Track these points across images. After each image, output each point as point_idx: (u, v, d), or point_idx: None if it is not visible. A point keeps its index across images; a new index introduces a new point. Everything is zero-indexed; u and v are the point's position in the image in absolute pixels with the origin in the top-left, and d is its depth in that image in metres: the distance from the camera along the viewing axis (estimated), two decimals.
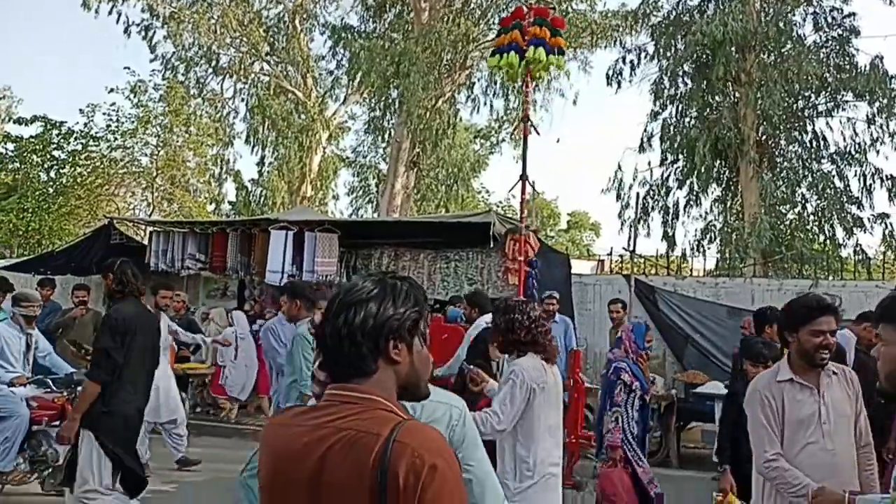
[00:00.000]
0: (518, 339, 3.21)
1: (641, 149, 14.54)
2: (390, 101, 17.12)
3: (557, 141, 18.76)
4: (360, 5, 18.59)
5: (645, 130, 14.56)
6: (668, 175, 14.40)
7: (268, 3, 19.46)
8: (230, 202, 21.62)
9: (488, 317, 4.77)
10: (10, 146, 18.54)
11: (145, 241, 10.84)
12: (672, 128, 14.18)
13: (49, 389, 5.45)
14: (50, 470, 5.28)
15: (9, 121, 26.72)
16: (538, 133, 7.75)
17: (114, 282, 4.29)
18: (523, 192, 7.35)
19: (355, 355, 1.29)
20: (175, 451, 6.77)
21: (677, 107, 14.28)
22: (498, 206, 23.98)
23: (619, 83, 14.81)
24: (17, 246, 15.89)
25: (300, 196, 19.77)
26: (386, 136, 19.09)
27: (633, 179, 14.41)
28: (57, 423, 5.07)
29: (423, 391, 1.40)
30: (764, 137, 13.89)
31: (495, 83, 17.41)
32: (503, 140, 21.09)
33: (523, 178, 7.30)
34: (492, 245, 8.61)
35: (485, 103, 17.97)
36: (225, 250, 9.90)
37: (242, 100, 19.77)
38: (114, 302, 4.39)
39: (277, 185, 19.93)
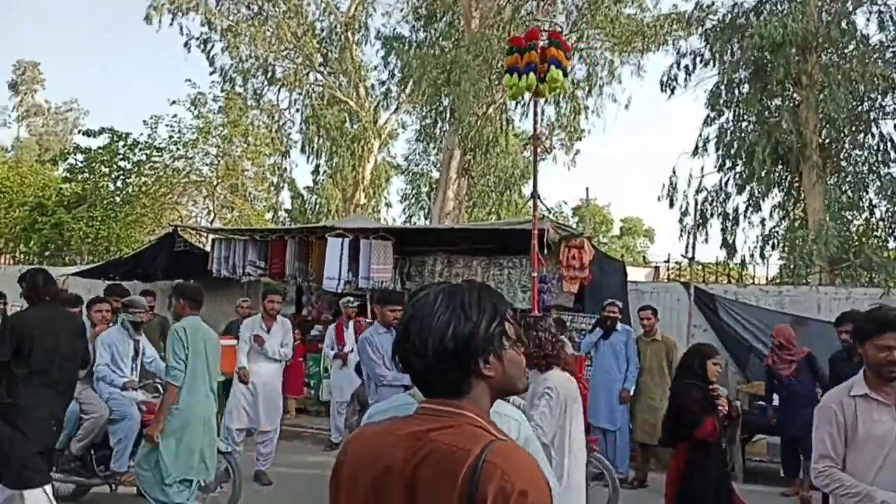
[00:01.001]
0: (546, 354, 3.37)
1: (696, 153, 14.27)
2: (441, 108, 17.27)
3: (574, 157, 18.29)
4: (410, 15, 18.85)
5: (700, 135, 14.29)
6: (727, 180, 14.08)
7: (321, 15, 19.91)
8: (286, 210, 22.13)
9: None
10: (80, 157, 19.42)
11: (208, 248, 11.15)
12: (729, 132, 13.86)
13: (157, 394, 5.60)
14: None
15: (77, 133, 28.06)
16: (548, 152, 7.95)
17: (24, 289, 4.54)
18: (535, 210, 7.60)
19: (447, 381, 1.29)
20: (256, 462, 6.81)
21: (734, 111, 13.96)
22: (551, 213, 23.86)
23: (672, 89, 14.58)
24: (87, 253, 16.58)
25: (353, 204, 20.10)
26: (437, 143, 19.26)
27: (688, 185, 14.16)
28: None
29: (519, 389, 1.40)
30: (827, 141, 13.45)
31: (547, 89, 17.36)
32: (554, 147, 21.00)
33: (534, 195, 7.62)
34: (546, 252, 8.57)
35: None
36: (283, 257, 10.11)
37: (297, 110, 20.27)
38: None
39: (332, 192, 20.31)
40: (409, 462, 1.22)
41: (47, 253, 17.73)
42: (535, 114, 7.65)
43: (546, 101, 9.60)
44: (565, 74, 6.97)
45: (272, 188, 21.10)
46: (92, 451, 5.45)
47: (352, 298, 9.05)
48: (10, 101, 35.89)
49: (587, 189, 21.02)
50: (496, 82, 16.27)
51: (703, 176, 14.11)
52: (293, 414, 9.79)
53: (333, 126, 19.33)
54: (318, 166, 20.53)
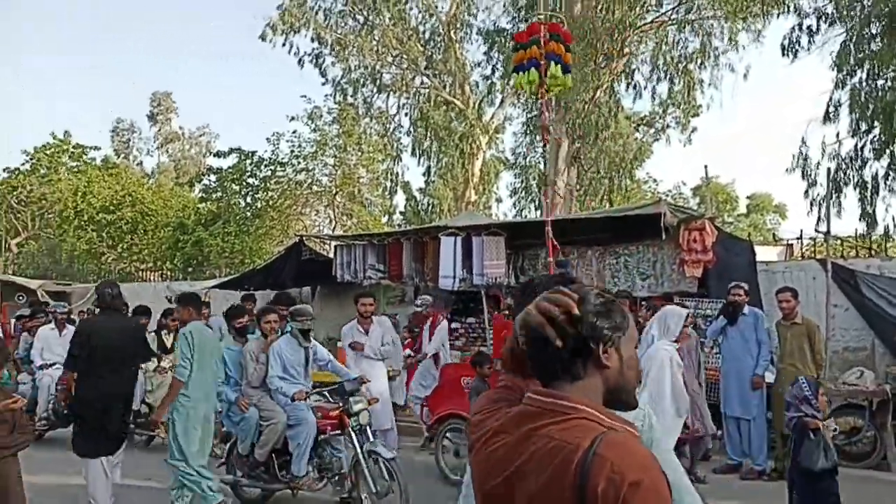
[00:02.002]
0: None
1: (828, 119, 13.18)
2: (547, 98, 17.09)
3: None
4: (511, 6, 18.78)
5: (831, 99, 13.19)
6: (863, 145, 12.90)
7: (423, 18, 20.31)
8: (401, 212, 22.81)
9: None
10: (213, 178, 21.04)
11: (331, 255, 11.71)
12: (863, 93, 12.69)
13: (327, 400, 5.72)
14: (336, 477, 5.47)
15: (209, 155, 30.35)
16: (547, 142, 8.12)
17: (95, 300, 5.52)
18: (546, 198, 8.40)
19: (563, 362, 1.27)
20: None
21: (867, 70, 12.75)
22: (668, 196, 22.95)
23: (795, 53, 13.55)
24: (224, 266, 17.96)
25: (465, 202, 20.36)
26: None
27: (823, 154, 13.11)
28: (338, 432, 5.42)
29: (632, 400, 1.34)
30: None
31: (658, 67, 16.74)
32: (668, 126, 20.17)
33: (547, 184, 8.69)
34: (664, 237, 8.28)
35: (646, 88, 17.32)
36: (400, 259, 10.43)
37: (406, 114, 20.83)
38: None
39: (443, 192, 20.68)
40: (518, 460, 1.23)
41: (190, 269, 19.35)
42: (542, 108, 7.66)
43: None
44: (566, 71, 6.93)
45: (386, 193, 21.81)
46: (274, 457, 5.61)
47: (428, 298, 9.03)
48: (151, 130, 39.42)
49: (706, 167, 20.05)
50: (602, 65, 15.87)
51: (839, 142, 13.02)
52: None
53: (441, 126, 19.67)
54: (428, 168, 21.00)
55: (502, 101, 20.72)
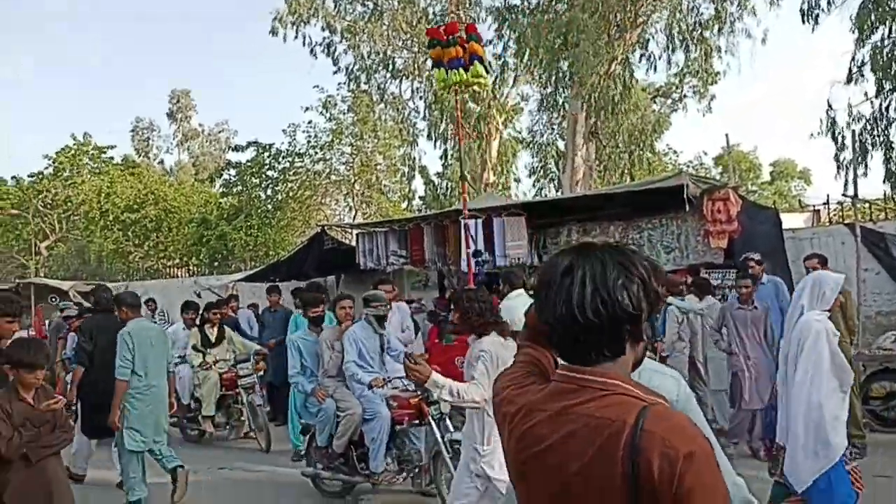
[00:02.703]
0: (479, 322, 3.69)
1: (851, 80, 12.86)
2: (561, 74, 16.87)
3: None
4: None
5: (853, 59, 12.86)
6: (887, 105, 12.59)
7: (432, 0, 20.12)
8: (420, 197, 22.79)
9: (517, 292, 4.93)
10: (233, 172, 21.21)
11: (353, 243, 11.78)
12: (886, 52, 12.35)
13: (405, 389, 5.38)
14: (417, 470, 5.29)
15: (228, 150, 30.57)
16: (471, 136, 8.95)
17: (92, 302, 6.41)
18: (464, 192, 8.60)
19: (602, 345, 1.23)
20: None
21: (890, 27, 12.40)
22: (689, 167, 22.66)
23: (816, 18, 13.19)
24: (248, 259, 18.16)
25: (483, 183, 20.28)
26: (560, 111, 18.87)
27: (849, 116, 12.81)
28: (417, 422, 5.21)
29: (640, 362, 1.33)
30: None
31: (673, 36, 16.44)
32: (686, 95, 19.84)
33: (463, 178, 8.89)
34: (687, 209, 8.19)
35: (660, 58, 17.01)
36: (422, 244, 10.46)
37: (420, 97, 20.71)
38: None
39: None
40: (562, 436, 1.20)
41: (215, 263, 19.61)
42: (458, 104, 8.87)
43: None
44: (487, 71, 7.64)
45: (404, 178, 21.80)
46: (352, 449, 5.47)
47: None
48: (170, 128, 39.76)
49: (727, 135, 19.68)
50: (616, 37, 15.63)
51: (869, 100, 12.69)
52: None
53: (456, 109, 19.54)
54: (445, 151, 20.91)
55: (516, 80, 20.51)
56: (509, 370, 1.49)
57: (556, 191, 20.00)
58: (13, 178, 28.17)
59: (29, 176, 27.66)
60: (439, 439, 4.88)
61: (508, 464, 1.36)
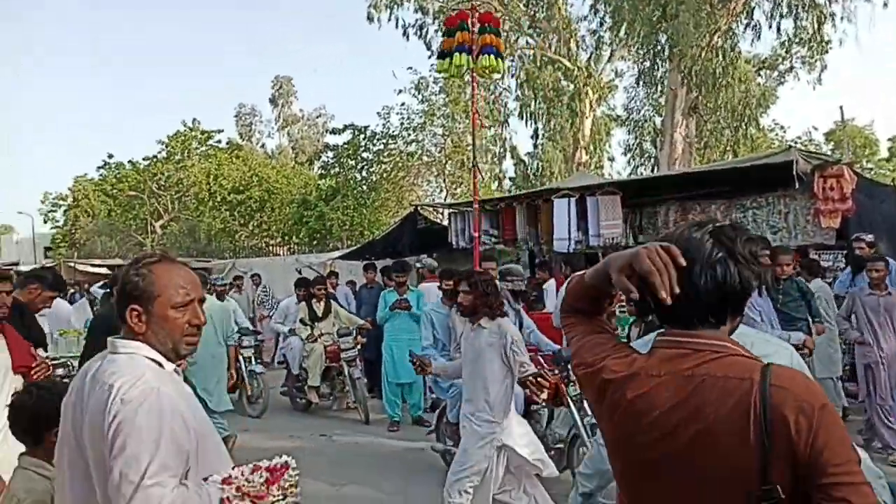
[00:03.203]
0: (496, 303, 3.93)
1: None
2: (659, 48, 16.30)
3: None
4: None
5: None
6: None
7: None
8: (510, 178, 22.75)
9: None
10: (330, 154, 21.95)
11: (445, 223, 11.95)
12: None
13: (542, 367, 4.91)
14: (552, 452, 4.87)
15: (326, 134, 31.58)
16: (483, 126, 8.69)
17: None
18: (475, 180, 8.67)
19: (718, 310, 1.30)
20: None
21: None
22: (798, 143, 21.38)
23: None
24: (345, 238, 18.81)
25: (575, 163, 19.98)
26: (658, 86, 18.25)
27: None
28: (552, 403, 4.76)
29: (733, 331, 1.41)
30: None
31: (780, 3, 15.47)
32: (794, 67, 18.66)
33: (475, 166, 8.95)
34: (797, 186, 7.77)
35: (769, 27, 16.07)
36: (514, 223, 10.48)
37: (512, 75, 20.56)
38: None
39: (552, 155, 20.39)
40: (687, 395, 1.24)
41: (314, 242, 20.43)
42: (474, 92, 8.57)
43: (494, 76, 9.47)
44: (499, 56, 7.53)
45: (495, 159, 21.79)
46: None
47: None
48: (272, 113, 41.43)
49: (841, 108, 18.42)
50: (718, 7, 14.91)
51: None
52: None
53: (549, 87, 19.31)
54: (536, 130, 20.72)
55: (612, 56, 19.96)
56: (593, 339, 1.45)
57: (653, 169, 19.42)
58: (130, 161, 30.36)
59: (143, 159, 29.76)
60: (578, 422, 4.70)
61: (614, 431, 1.38)
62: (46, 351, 4.73)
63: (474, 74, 7.58)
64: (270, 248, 21.60)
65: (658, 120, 19.70)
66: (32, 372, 3.50)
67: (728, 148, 18.18)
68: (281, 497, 1.65)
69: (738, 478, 1.18)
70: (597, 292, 1.44)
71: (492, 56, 7.32)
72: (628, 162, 22.32)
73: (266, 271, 14.04)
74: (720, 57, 15.47)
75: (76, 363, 4.81)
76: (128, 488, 1.55)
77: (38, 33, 66.84)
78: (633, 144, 21.86)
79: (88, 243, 31.72)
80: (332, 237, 19.84)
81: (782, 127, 24.05)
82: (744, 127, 18.07)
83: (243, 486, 1.63)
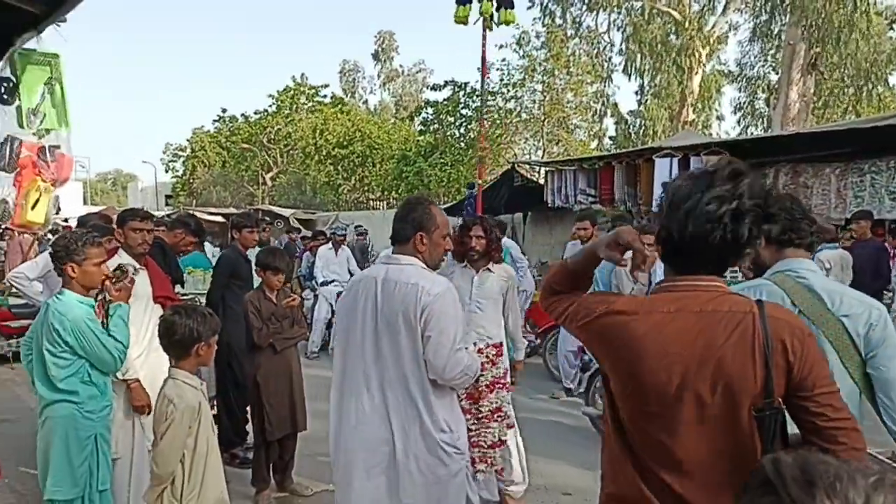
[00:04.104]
0: (496, 248, 3.95)
1: None
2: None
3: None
4: None
5: None
6: None
7: None
8: (611, 137, 22.19)
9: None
10: (430, 110, 22.19)
11: (541, 181, 11.97)
12: None
13: None
14: None
15: (425, 90, 31.83)
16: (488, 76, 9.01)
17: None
18: (481, 123, 8.23)
19: (718, 259, 1.50)
20: None
21: None
22: None
23: None
24: (442, 194, 19.15)
25: (681, 122, 19.23)
26: (776, 40, 17.14)
27: None
28: None
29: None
30: None
31: None
32: None
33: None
34: None
35: None
36: (612, 183, 10.34)
37: (618, 28, 19.91)
38: None
39: (657, 113, 19.70)
40: (704, 331, 1.44)
41: (465, 203, 20.89)
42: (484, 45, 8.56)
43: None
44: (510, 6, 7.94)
45: (595, 116, 21.31)
46: None
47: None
48: (374, 69, 42.08)
49: None
50: None
51: None
52: None
53: (656, 41, 18.57)
54: (641, 86, 20.06)
55: (725, 8, 18.86)
56: (588, 298, 1.67)
57: (765, 129, 18.40)
58: (242, 115, 31.93)
59: (254, 113, 31.21)
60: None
61: (621, 366, 1.54)
62: (183, 287, 5.31)
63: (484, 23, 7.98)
64: (371, 202, 22.33)
65: (773, 77, 18.54)
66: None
67: (850, 107, 16.90)
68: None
69: (747, 393, 1.41)
70: (580, 274, 1.72)
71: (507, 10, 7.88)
72: (738, 121, 21.22)
73: (367, 224, 14.62)
74: (845, 9, 14.31)
75: (203, 298, 5.35)
76: (444, 351, 2.36)
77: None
78: (744, 103, 20.71)
79: (205, 192, 33.92)
80: (431, 193, 20.25)
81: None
82: (870, 85, 16.68)
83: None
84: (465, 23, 8.49)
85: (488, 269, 3.91)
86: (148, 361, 3.53)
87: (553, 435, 5.58)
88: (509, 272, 4.06)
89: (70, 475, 2.89)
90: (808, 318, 2.00)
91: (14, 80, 2.64)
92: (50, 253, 3.10)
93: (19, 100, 2.70)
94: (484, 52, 8.75)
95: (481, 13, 8.14)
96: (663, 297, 1.53)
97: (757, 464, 0.94)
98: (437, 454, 2.43)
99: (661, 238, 1.55)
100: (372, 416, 2.47)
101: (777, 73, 17.45)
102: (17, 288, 4.60)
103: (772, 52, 18.29)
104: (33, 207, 3.11)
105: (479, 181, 9.08)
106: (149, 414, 3.29)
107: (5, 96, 2.63)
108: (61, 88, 2.85)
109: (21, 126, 2.81)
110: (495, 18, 8.20)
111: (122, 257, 3.60)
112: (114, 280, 3.03)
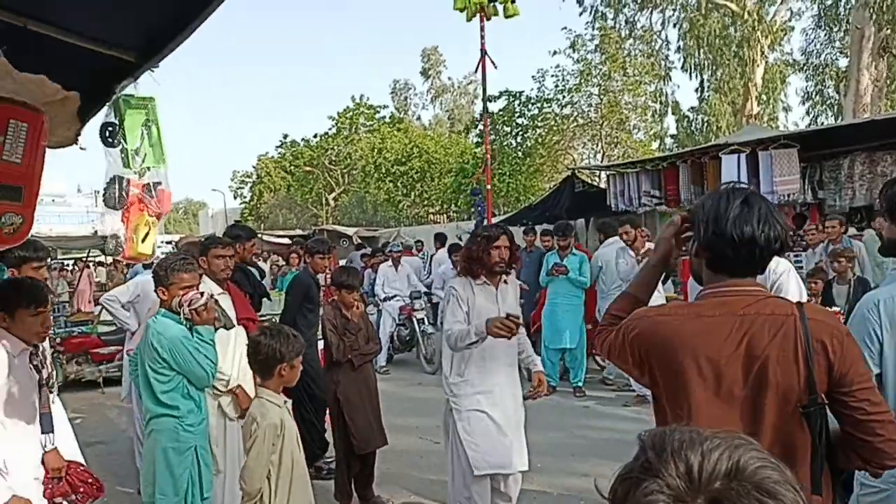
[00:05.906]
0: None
1: None
2: None
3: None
4: None
5: None
6: None
7: None
8: (672, 136, 21.70)
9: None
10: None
11: (603, 185, 11.82)
12: None
13: None
14: None
15: (477, 101, 31.95)
16: (495, 66, 9.14)
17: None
18: (484, 122, 8.34)
19: (759, 263, 1.60)
20: None
21: None
22: None
23: None
24: (502, 205, 19.15)
25: (745, 115, 18.64)
26: (843, 25, 16.45)
27: None
28: None
29: None
30: None
31: None
32: None
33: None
34: None
35: None
36: (677, 183, 10.11)
37: (674, 25, 19.52)
38: None
39: (719, 108, 19.18)
40: (746, 334, 1.53)
41: (472, 209, 20.99)
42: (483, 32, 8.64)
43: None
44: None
45: (655, 116, 20.90)
46: None
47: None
48: (424, 85, 42.57)
49: None
50: None
51: None
52: None
53: (715, 35, 18.11)
54: (701, 82, 19.56)
55: None
56: (637, 312, 1.76)
57: (836, 118, 17.64)
58: (303, 139, 32.87)
59: (314, 136, 32.07)
60: None
61: (671, 373, 1.60)
62: (271, 300, 5.55)
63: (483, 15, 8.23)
64: (431, 216, 22.55)
65: (842, 63, 17.78)
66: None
67: None
68: None
69: (792, 390, 1.50)
70: (645, 296, 1.88)
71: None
72: (807, 111, 20.40)
73: (428, 238, 14.77)
74: None
75: (277, 319, 5.54)
76: None
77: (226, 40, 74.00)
78: (812, 91, 19.91)
79: (271, 216, 35.00)
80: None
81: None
82: None
83: None
84: (463, 9, 8.71)
85: (504, 280, 3.65)
86: (241, 380, 3.71)
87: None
88: (515, 280, 3.89)
89: (172, 484, 3.10)
90: None
91: (117, 124, 2.87)
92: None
93: (123, 142, 2.93)
94: (483, 43, 8.96)
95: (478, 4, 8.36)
96: (710, 301, 1.62)
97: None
98: None
99: (701, 248, 1.64)
100: None
101: (846, 59, 16.72)
102: (107, 310, 4.97)
103: (839, 37, 17.55)
104: (143, 240, 3.38)
105: (482, 185, 9.14)
106: None
107: (110, 139, 2.87)
108: (157, 129, 3.08)
109: (126, 166, 3.05)
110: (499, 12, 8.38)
111: (206, 283, 3.79)
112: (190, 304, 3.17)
